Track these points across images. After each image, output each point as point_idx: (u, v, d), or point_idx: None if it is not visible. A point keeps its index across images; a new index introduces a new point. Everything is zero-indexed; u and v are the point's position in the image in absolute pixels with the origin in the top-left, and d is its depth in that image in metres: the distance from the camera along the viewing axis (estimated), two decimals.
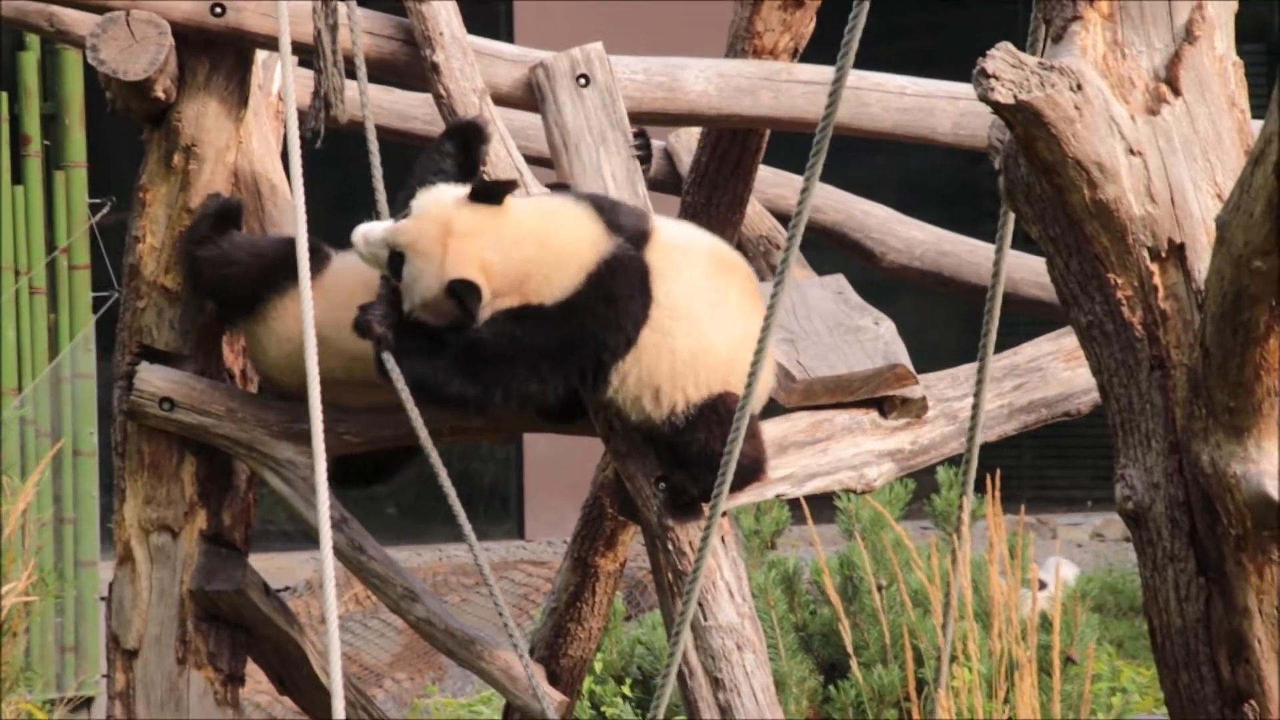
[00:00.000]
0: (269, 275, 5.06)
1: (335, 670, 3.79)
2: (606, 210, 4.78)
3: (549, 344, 4.71)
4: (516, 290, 4.71)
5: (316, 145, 4.96)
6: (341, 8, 4.95)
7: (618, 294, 4.69)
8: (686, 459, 4.75)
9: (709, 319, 4.73)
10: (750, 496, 4.93)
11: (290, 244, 5.00)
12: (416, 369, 4.75)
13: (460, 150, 4.89)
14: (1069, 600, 7.28)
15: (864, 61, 4.28)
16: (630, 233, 4.75)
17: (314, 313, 4.60)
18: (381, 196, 4.84)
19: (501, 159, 4.96)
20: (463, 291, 4.65)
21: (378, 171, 4.85)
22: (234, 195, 5.16)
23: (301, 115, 5.07)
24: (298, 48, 4.89)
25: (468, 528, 4.73)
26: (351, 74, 5.01)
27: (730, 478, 3.80)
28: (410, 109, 5.64)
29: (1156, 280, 3.48)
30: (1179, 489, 3.48)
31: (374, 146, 4.88)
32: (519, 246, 4.71)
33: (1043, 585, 7.99)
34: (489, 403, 4.75)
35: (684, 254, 4.76)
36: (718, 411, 4.72)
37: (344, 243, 5.10)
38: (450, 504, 4.72)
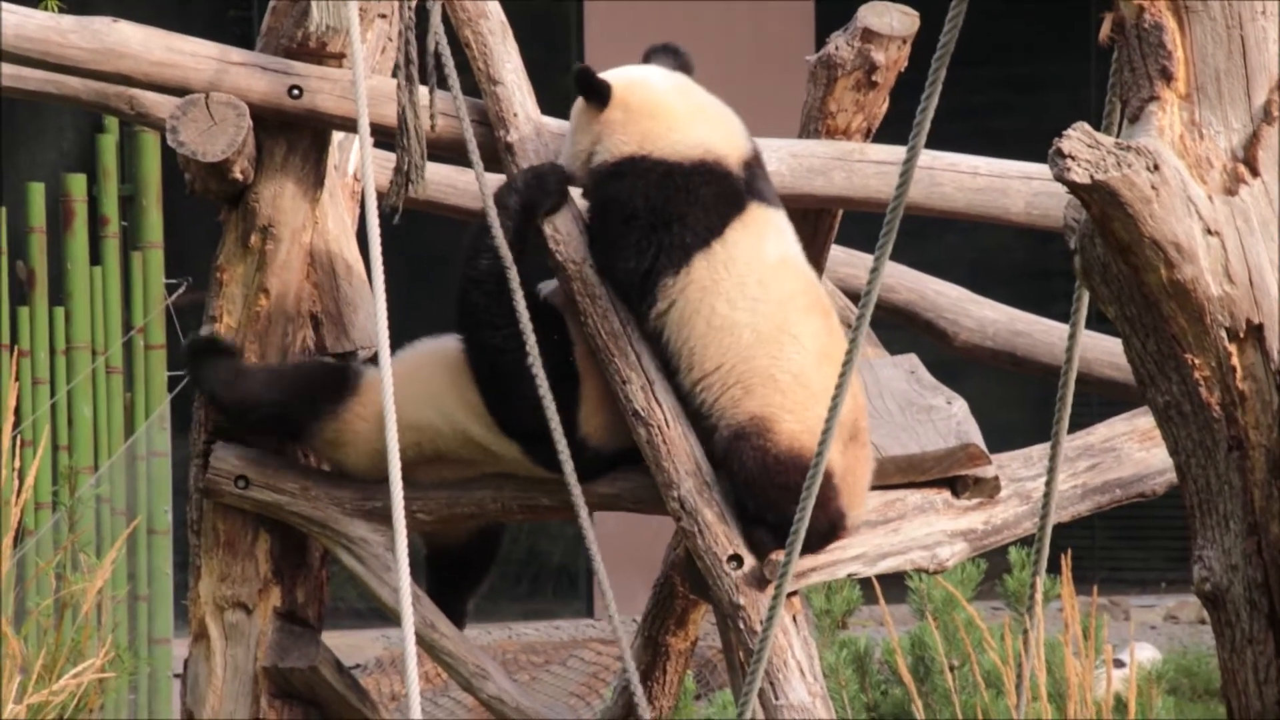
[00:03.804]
0: (306, 403, 5.09)
1: None
2: (755, 162, 4.86)
3: (642, 203, 4.78)
4: (640, 128, 4.81)
5: (395, 221, 5.00)
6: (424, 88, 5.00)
7: (701, 195, 4.77)
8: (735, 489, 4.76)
9: (758, 298, 4.75)
10: (822, 576, 4.91)
11: (313, 365, 5.05)
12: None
13: (524, 214, 4.92)
14: (1144, 682, 7.22)
15: (937, 141, 4.29)
16: (757, 185, 4.83)
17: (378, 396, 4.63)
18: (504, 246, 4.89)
19: (574, 237, 4.97)
20: (585, 79, 4.81)
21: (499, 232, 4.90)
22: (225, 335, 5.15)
23: (379, 193, 5.11)
24: (373, 129, 4.93)
25: (610, 595, 4.79)
26: (434, 156, 5.05)
27: (800, 543, 3.79)
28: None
29: (1234, 361, 3.46)
30: (1258, 570, 3.45)
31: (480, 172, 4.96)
32: (675, 92, 4.85)
33: (1120, 664, 7.93)
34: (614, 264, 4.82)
35: (774, 230, 4.82)
36: (749, 438, 4.71)
37: (413, 322, 5.14)
38: (596, 570, 4.85)
